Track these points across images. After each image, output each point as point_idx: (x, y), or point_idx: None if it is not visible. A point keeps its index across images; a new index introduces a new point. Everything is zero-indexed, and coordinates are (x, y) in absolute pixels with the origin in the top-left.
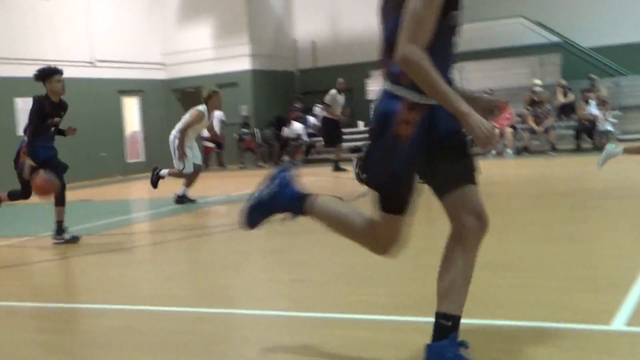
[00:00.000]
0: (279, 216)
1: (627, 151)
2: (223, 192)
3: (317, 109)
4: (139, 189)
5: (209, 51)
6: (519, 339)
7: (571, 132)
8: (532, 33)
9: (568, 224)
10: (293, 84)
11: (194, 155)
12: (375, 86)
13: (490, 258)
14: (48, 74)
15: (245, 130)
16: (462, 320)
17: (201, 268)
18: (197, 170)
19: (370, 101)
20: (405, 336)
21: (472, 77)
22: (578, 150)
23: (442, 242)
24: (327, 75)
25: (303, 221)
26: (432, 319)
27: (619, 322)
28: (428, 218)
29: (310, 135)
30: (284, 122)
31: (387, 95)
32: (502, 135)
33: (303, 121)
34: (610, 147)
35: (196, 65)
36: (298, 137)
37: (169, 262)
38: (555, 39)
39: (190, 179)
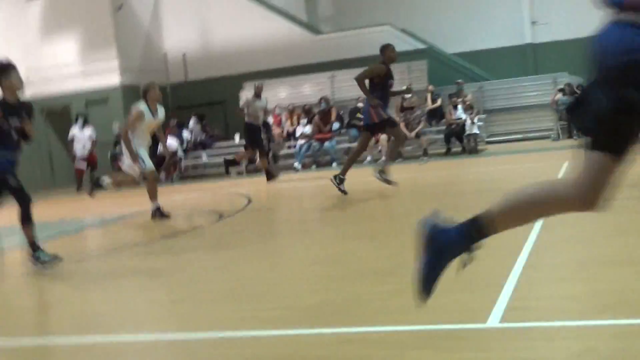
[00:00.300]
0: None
1: None
2: (97, 214)
3: (191, 123)
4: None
5: (75, 66)
6: (400, 344)
7: (441, 136)
8: (399, 40)
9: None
10: (165, 98)
11: (146, 159)
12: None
13: (373, 265)
14: (3, 70)
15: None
16: (341, 330)
17: (74, 294)
18: (154, 177)
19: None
20: (291, 349)
21: (343, 85)
22: (448, 153)
23: (326, 252)
24: (200, 89)
25: (178, 240)
26: (314, 331)
27: (494, 320)
28: (311, 228)
29: (185, 150)
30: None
31: (622, 26)
32: (377, 142)
33: (178, 137)
34: None
35: (63, 82)
36: (174, 154)
37: (40, 291)
38: (421, 45)
39: (151, 189)
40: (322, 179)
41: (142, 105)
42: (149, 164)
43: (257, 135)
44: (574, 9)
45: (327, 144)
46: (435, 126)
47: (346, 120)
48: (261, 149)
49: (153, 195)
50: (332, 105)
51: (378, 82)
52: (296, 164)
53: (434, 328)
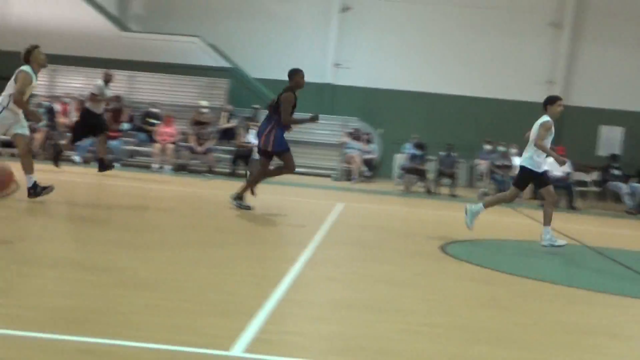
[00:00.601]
0: None
1: (487, 204)
2: None
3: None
4: None
5: None
6: None
7: (229, 156)
8: (205, 55)
9: (212, 247)
10: None
11: (22, 126)
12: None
13: (133, 276)
14: None
15: None
16: (84, 339)
17: None
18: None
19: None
20: (24, 354)
21: (141, 87)
22: (233, 175)
23: (94, 257)
24: None
25: None
26: (54, 336)
27: (237, 349)
28: (86, 230)
29: None
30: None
31: None
32: (163, 150)
33: None
34: (470, 207)
35: None
36: None
37: None
38: (226, 64)
39: (25, 161)
40: (102, 176)
41: (28, 68)
42: (28, 131)
43: (97, 121)
44: (374, 60)
45: (113, 142)
46: (225, 145)
47: (137, 123)
48: (101, 135)
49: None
50: (124, 105)
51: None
52: (76, 157)
53: (175, 349)
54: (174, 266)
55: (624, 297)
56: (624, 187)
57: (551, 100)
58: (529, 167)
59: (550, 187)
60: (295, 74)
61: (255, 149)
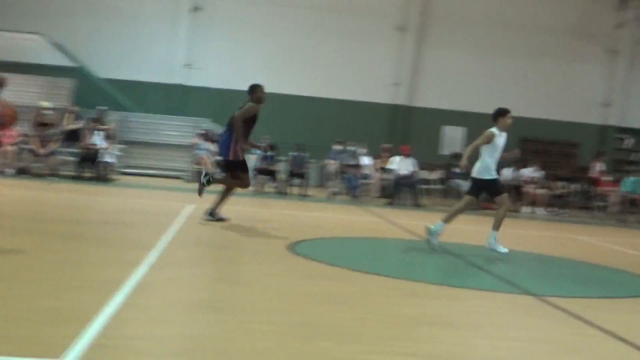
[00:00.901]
0: None
1: (447, 219)
2: None
3: None
4: None
5: None
6: None
7: (75, 159)
8: (48, 53)
9: (51, 252)
10: None
11: None
12: None
13: None
14: None
15: None
16: None
17: None
18: None
19: None
20: None
21: None
22: (79, 178)
23: None
24: None
25: None
26: None
27: (70, 356)
28: None
29: None
30: None
31: None
32: (4, 153)
33: None
34: (431, 227)
35: None
36: None
37: None
38: (70, 63)
39: None
40: None
41: None
42: None
43: None
44: (227, 61)
45: None
46: (70, 147)
47: None
48: None
49: None
50: None
51: (246, 122)
52: None
53: None
54: (7, 273)
55: (462, 289)
56: (464, 184)
57: (501, 113)
58: (478, 176)
59: (506, 195)
60: (256, 89)
61: (104, 152)
